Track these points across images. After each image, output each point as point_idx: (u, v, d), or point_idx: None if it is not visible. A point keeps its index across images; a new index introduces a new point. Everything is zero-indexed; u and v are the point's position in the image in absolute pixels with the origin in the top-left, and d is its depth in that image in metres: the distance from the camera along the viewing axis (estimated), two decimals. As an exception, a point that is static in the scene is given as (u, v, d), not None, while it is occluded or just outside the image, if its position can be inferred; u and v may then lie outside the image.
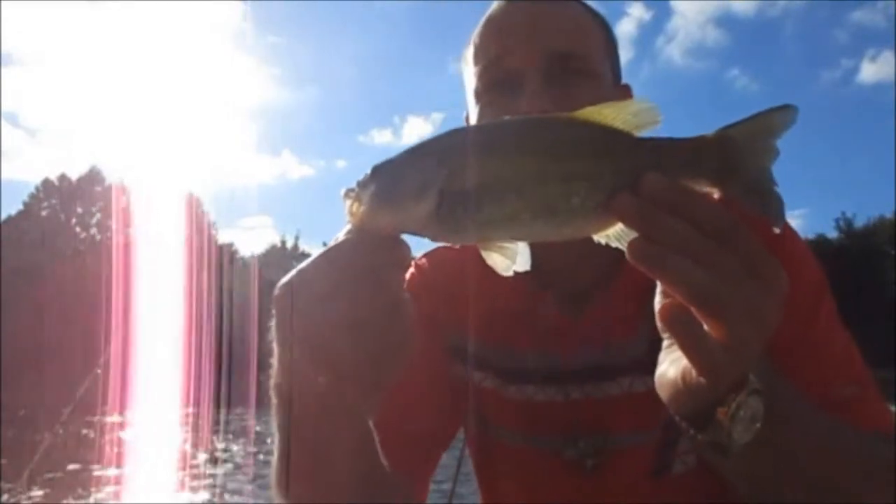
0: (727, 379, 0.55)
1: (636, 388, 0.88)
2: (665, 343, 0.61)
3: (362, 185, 0.53)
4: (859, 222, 41.95)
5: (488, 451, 1.00)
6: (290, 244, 51.26)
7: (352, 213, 0.53)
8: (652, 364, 0.87)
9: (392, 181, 0.53)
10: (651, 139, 0.54)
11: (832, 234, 42.00)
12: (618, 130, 0.53)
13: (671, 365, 0.58)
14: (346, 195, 0.54)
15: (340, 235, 0.54)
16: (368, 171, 0.54)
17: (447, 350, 0.96)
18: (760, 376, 0.58)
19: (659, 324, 0.57)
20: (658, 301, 0.56)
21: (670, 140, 0.54)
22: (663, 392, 0.60)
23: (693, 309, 0.50)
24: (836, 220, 42.16)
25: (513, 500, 0.98)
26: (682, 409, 0.59)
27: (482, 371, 0.95)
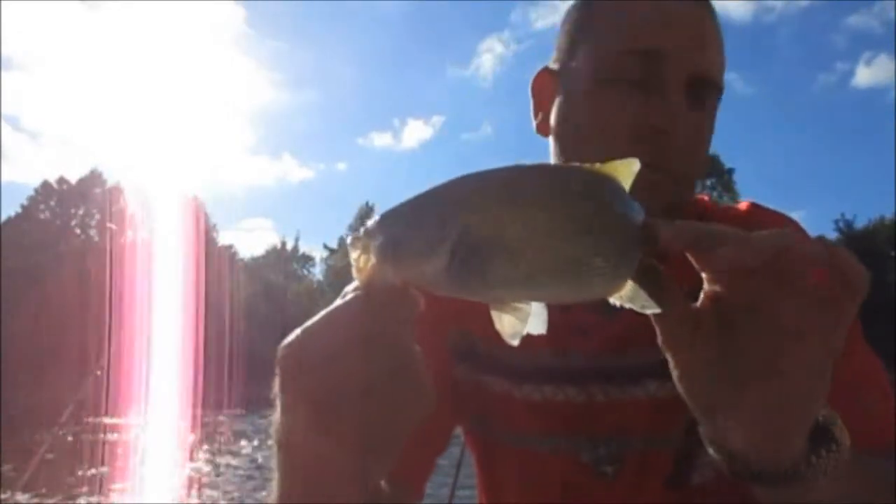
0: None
1: (660, 393, 0.86)
2: None
3: (369, 234, 0.50)
4: (859, 223, 42.20)
5: (494, 454, 0.98)
6: (290, 246, 51.27)
7: (358, 269, 0.50)
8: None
9: (401, 234, 0.49)
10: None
11: (831, 235, 42.17)
12: (622, 186, 0.52)
13: None
14: (353, 244, 0.50)
15: (348, 291, 0.51)
16: (377, 217, 0.50)
17: (450, 352, 0.94)
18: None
19: None
20: None
21: None
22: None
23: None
24: (836, 222, 42.21)
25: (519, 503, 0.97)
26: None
27: (491, 373, 0.93)
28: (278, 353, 0.51)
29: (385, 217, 0.50)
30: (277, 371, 0.51)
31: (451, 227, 0.48)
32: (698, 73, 0.80)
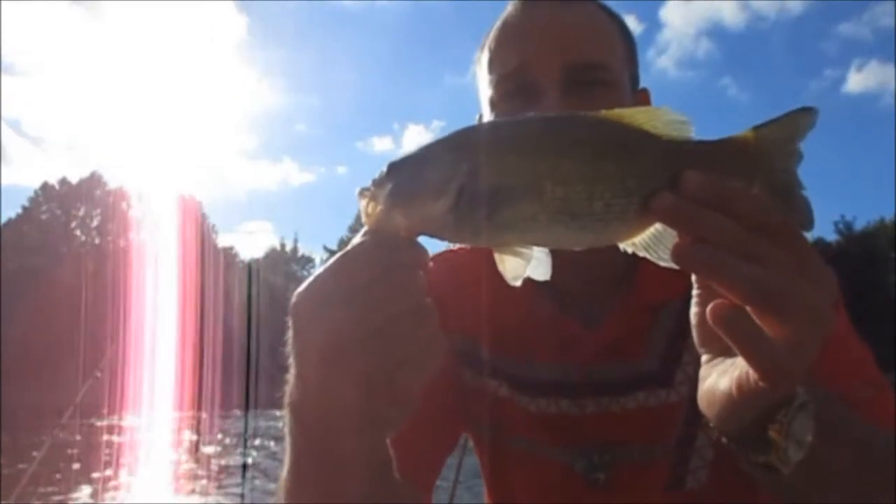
0: (790, 380, 0.52)
1: (650, 402, 0.88)
2: (705, 358, 0.58)
3: (378, 183, 0.50)
4: (859, 225, 42.13)
5: (501, 457, 0.98)
6: (289, 248, 51.24)
7: (367, 215, 0.50)
8: (663, 378, 0.88)
9: (408, 179, 0.50)
10: (677, 142, 0.51)
11: (831, 237, 42.09)
12: (646, 133, 0.51)
13: (721, 377, 0.55)
14: (361, 195, 0.51)
15: (357, 239, 0.51)
16: (384, 168, 0.51)
17: (456, 356, 0.95)
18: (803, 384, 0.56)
19: (699, 331, 0.55)
20: (695, 312, 0.55)
21: (697, 143, 0.52)
22: (713, 407, 0.56)
23: (751, 308, 0.48)
24: (836, 224, 42.10)
25: None
26: (733, 425, 0.56)
27: (495, 379, 0.94)
28: (291, 301, 0.51)
29: (392, 166, 0.51)
30: (290, 319, 0.51)
31: (456, 171, 0.49)
32: (571, 62, 0.85)
